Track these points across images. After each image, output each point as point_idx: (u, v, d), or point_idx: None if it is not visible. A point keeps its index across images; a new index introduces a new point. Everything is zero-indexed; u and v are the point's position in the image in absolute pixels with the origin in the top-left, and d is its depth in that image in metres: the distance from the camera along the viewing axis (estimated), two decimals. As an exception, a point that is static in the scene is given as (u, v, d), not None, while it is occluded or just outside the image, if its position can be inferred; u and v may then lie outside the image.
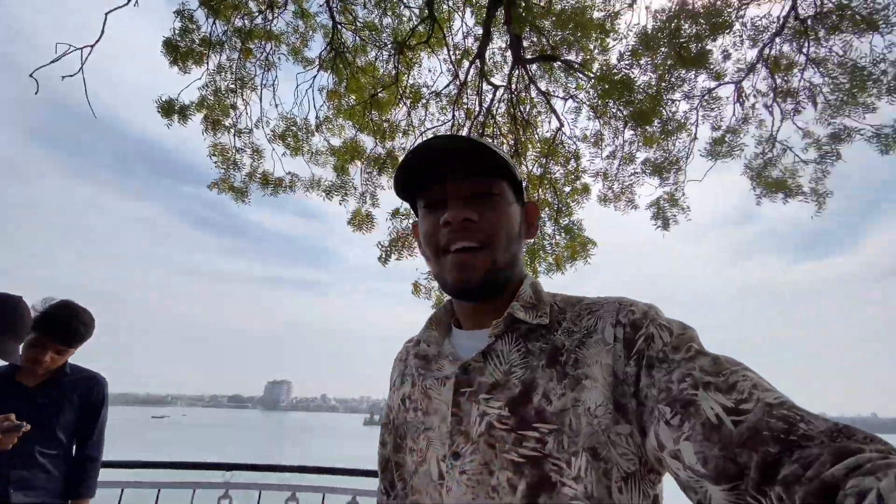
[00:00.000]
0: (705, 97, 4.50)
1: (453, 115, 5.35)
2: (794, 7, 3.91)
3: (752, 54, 4.27)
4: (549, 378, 0.61)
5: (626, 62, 4.47)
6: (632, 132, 4.82)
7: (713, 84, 4.52)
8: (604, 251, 4.80)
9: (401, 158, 0.70)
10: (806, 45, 4.02)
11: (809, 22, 3.96)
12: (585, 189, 5.14)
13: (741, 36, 4.29)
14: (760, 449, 0.42)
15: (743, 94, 4.30)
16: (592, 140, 5.10)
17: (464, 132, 5.46)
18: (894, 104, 3.65)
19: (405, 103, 5.26)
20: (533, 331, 0.67)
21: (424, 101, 5.48)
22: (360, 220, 5.03)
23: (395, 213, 5.20)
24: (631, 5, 4.56)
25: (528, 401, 0.60)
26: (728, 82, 4.46)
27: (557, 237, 4.83)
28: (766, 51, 4.17)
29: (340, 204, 4.91)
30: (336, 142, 5.35)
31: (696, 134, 4.62)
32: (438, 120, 5.61)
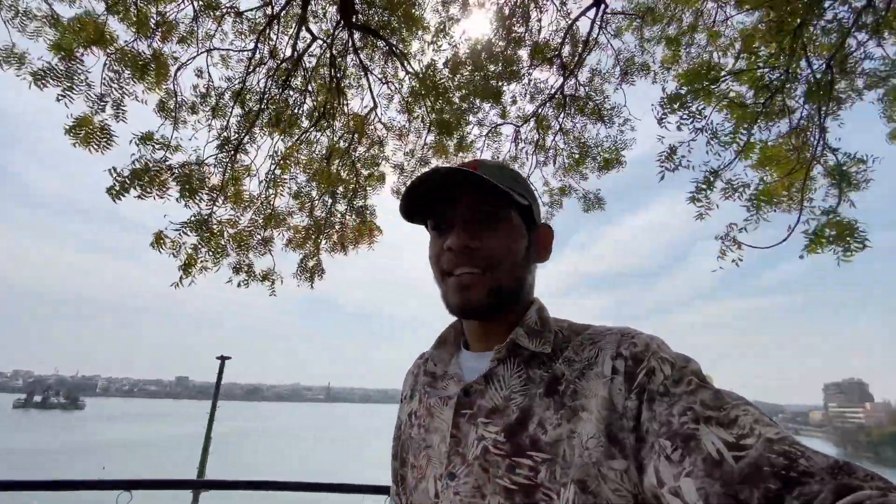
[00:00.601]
0: (493, 128, 5.30)
1: (255, 47, 4.49)
2: (562, 85, 5.11)
3: (530, 108, 5.32)
4: (546, 407, 0.62)
5: (445, 73, 4.79)
6: (432, 138, 5.20)
7: (499, 121, 5.39)
8: (392, 242, 4.96)
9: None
10: (562, 115, 5.31)
11: (567, 100, 5.27)
12: (381, 178, 5.21)
13: (526, 90, 5.29)
14: (761, 485, 0.42)
15: (518, 137, 5.31)
16: (397, 133, 5.23)
17: (262, 71, 4.66)
18: (600, 178, 5.27)
19: (193, 2, 4.08)
20: (535, 357, 0.67)
21: (220, 12, 4.39)
22: (90, 133, 3.53)
23: (148, 138, 3.91)
24: (458, 21, 4.94)
25: (524, 428, 0.61)
26: (510, 123, 5.40)
27: (348, 217, 4.69)
28: (539, 109, 5.29)
29: (59, 100, 3.30)
30: (66, 11, 3.63)
31: (480, 157, 5.38)
32: (234, 45, 4.60)
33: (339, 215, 4.70)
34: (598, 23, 4.67)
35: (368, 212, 4.77)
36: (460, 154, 5.19)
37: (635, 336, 0.63)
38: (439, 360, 0.78)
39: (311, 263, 4.60)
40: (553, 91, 5.23)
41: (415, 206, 0.73)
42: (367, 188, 4.85)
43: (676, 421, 0.51)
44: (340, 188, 4.64)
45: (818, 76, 2.86)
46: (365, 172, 4.98)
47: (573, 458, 0.57)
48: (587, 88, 5.19)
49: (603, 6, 4.45)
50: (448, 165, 0.70)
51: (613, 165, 5.32)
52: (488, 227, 0.69)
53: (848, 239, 2.61)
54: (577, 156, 5.46)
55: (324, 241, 4.68)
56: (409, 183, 0.74)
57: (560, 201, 5.49)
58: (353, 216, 4.71)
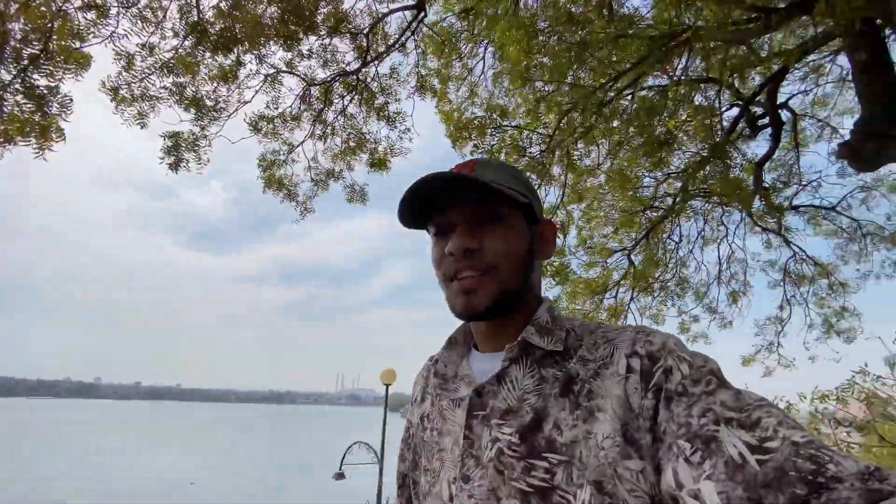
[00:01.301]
0: (276, 73, 4.50)
1: None
2: (359, 69, 4.89)
3: (322, 75, 4.81)
4: (561, 408, 0.61)
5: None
6: (190, 44, 3.95)
7: (284, 67, 4.63)
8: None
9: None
10: (350, 98, 5.06)
11: (359, 85, 5.07)
12: (84, 60, 3.51)
13: (323, 55, 4.77)
14: (787, 490, 0.41)
15: (308, 97, 4.68)
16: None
17: None
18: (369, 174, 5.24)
19: None
20: (548, 356, 0.67)
21: None
22: None
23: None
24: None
25: (539, 430, 0.60)
26: (296, 74, 4.72)
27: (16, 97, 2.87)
28: (331, 81, 4.86)
29: None
30: None
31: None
32: None
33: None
34: (412, 28, 4.75)
35: (54, 101, 3.06)
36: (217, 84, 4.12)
37: (651, 334, 0.63)
38: (449, 361, 0.77)
39: None
40: (350, 69, 4.94)
41: (413, 212, 0.72)
42: (62, 63, 3.13)
43: (696, 422, 0.50)
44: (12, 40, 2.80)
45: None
46: (62, 41, 3.22)
47: (589, 459, 0.56)
48: (381, 83, 5.15)
49: (423, 14, 4.56)
50: (444, 171, 0.69)
51: (381, 168, 5.42)
52: (488, 229, 0.69)
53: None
54: (352, 144, 5.30)
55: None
56: (405, 190, 0.68)
57: (327, 184, 5.14)
58: (25, 99, 2.92)
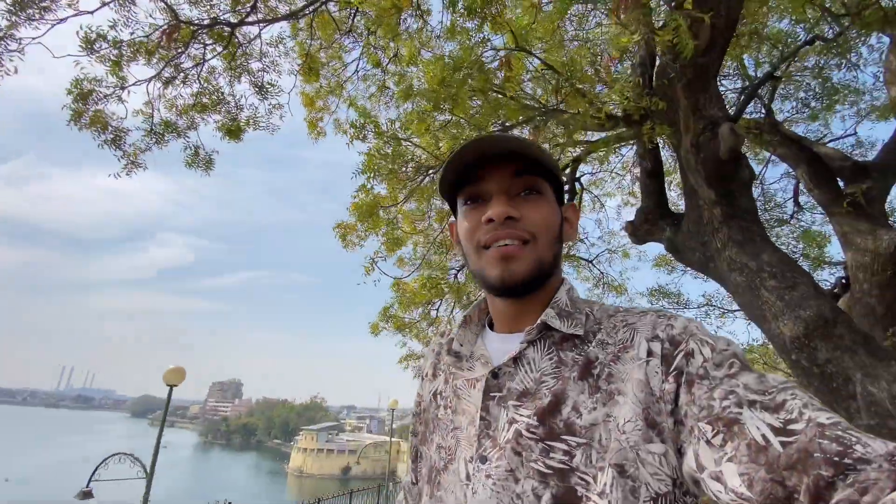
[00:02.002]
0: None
1: None
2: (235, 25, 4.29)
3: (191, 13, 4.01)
4: (580, 391, 0.61)
5: None
6: None
7: None
8: None
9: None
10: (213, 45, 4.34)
11: (230, 36, 4.41)
12: None
13: None
14: (812, 472, 0.40)
15: (170, 37, 3.76)
16: None
17: None
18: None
19: None
20: (566, 340, 0.66)
21: None
22: None
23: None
24: None
25: (558, 412, 0.60)
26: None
27: None
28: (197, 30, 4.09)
29: None
30: None
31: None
32: None
33: None
34: (315, 7, 4.46)
35: None
36: None
37: (672, 318, 0.63)
38: (465, 340, 0.76)
39: None
40: (230, 20, 4.28)
41: (454, 180, 0.72)
42: None
43: (718, 405, 0.50)
44: None
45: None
46: None
47: (609, 442, 0.56)
48: (262, 49, 4.61)
49: (328, -3, 4.33)
50: (495, 134, 0.71)
51: (234, 138, 4.79)
52: (527, 199, 0.69)
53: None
54: (205, 100, 4.54)
55: None
56: (453, 154, 0.69)
57: (164, 138, 4.22)
58: None
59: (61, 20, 3.26)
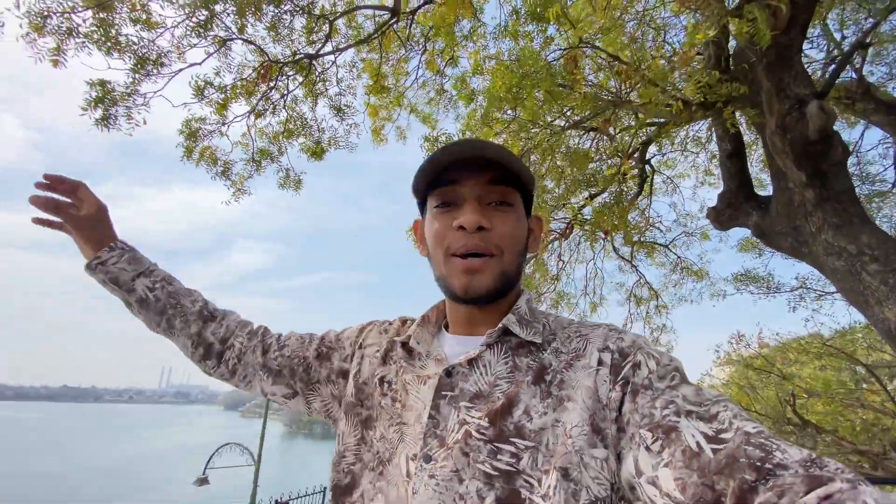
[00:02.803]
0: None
1: None
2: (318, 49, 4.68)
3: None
4: (532, 395, 0.63)
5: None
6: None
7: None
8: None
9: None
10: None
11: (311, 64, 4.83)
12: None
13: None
14: (737, 476, 0.43)
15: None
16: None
17: None
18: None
19: None
20: (523, 346, 0.68)
21: None
22: None
23: None
24: None
25: (509, 415, 0.61)
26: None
27: None
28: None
29: None
30: None
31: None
32: None
33: None
34: (382, 30, 4.76)
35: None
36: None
37: (623, 332, 0.67)
38: (421, 338, 0.76)
39: None
40: (309, 52, 4.70)
41: (428, 180, 0.71)
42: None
43: (658, 413, 0.53)
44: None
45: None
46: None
47: (556, 446, 0.58)
48: (337, 74, 5.00)
49: (395, 20, 4.61)
50: (474, 139, 0.71)
51: (317, 157, 5.24)
52: (498, 210, 0.69)
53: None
54: (291, 126, 5.02)
55: None
56: (429, 155, 0.69)
57: (261, 165, 4.75)
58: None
59: (176, 73, 3.81)
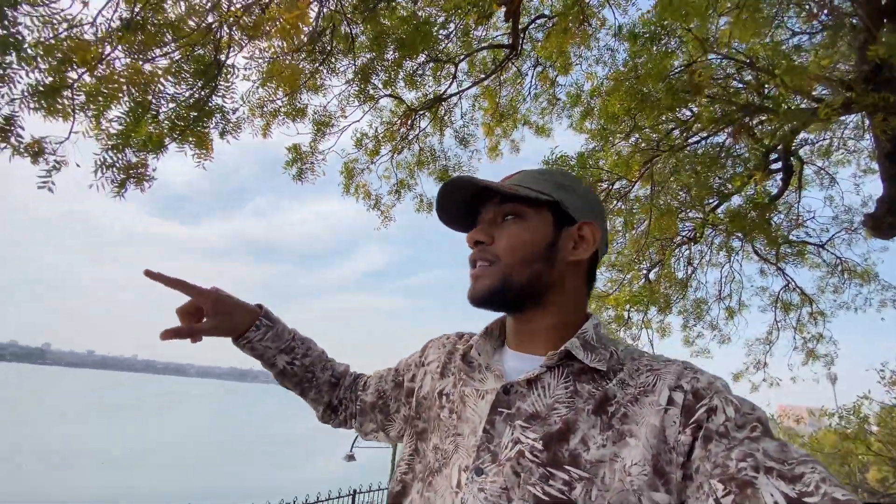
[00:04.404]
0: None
1: None
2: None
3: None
4: (591, 425, 0.61)
5: None
6: None
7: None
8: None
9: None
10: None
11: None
12: None
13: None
14: None
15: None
16: None
17: None
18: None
19: None
20: (585, 372, 0.66)
21: None
22: None
23: None
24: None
25: (565, 441, 0.60)
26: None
27: None
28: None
29: None
30: None
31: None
32: None
33: None
34: (503, 66, 5.22)
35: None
36: None
37: (699, 372, 0.63)
38: (483, 350, 0.78)
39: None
40: (435, 94, 5.37)
41: (457, 213, 0.79)
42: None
43: (734, 465, 0.50)
44: None
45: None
46: None
47: (613, 482, 0.56)
48: (462, 110, 5.60)
49: (514, 53, 5.03)
50: (466, 177, 0.75)
51: (445, 180, 5.90)
52: (503, 224, 0.73)
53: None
54: (423, 158, 5.75)
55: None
56: (437, 192, 0.77)
57: (401, 194, 5.58)
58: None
59: (343, 130, 4.75)
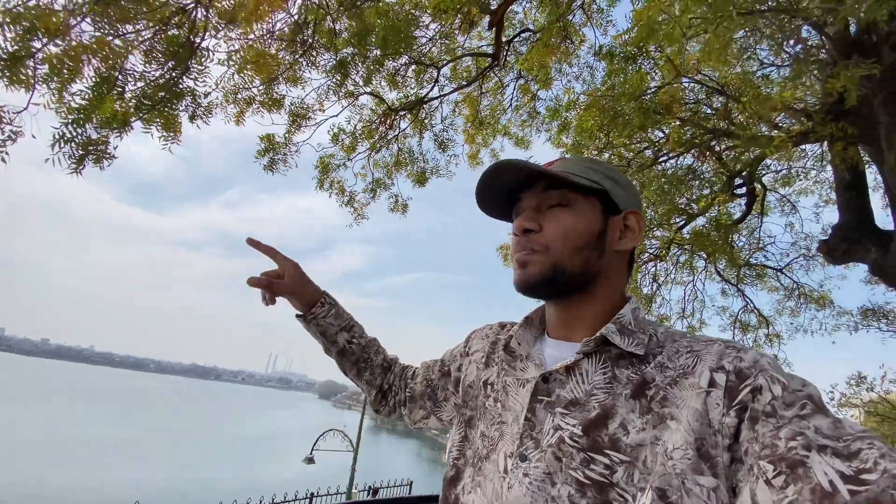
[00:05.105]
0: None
1: None
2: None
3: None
4: (630, 409, 0.61)
5: None
6: None
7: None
8: None
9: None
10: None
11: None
12: None
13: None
14: None
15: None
16: None
17: None
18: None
19: None
20: (624, 357, 0.66)
21: None
22: None
23: None
24: None
25: (604, 426, 0.61)
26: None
27: None
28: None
29: None
30: None
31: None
32: None
33: None
34: (484, 74, 5.29)
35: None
36: None
37: (742, 350, 0.61)
38: (523, 339, 0.79)
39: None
40: (417, 96, 5.39)
41: (497, 201, 0.78)
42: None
43: (783, 445, 0.48)
44: None
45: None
46: None
47: (654, 465, 0.56)
48: (442, 113, 5.64)
49: (496, 63, 5.11)
50: (512, 160, 0.72)
51: (421, 184, 5.91)
52: (552, 212, 0.72)
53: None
54: (401, 159, 5.75)
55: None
56: (479, 179, 0.76)
57: (376, 192, 5.55)
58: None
59: (319, 124, 4.70)
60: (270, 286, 0.93)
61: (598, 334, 0.66)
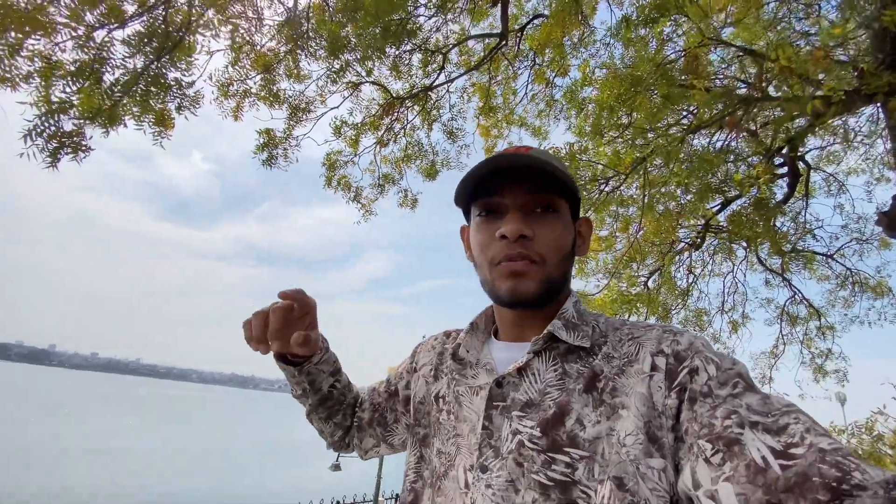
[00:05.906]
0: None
1: None
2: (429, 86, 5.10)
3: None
4: (584, 404, 0.61)
5: None
6: None
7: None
8: None
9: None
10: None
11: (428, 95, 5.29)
12: None
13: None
14: (809, 496, 0.41)
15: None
16: None
17: None
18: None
19: None
20: (572, 352, 0.66)
21: None
22: None
23: None
24: None
25: (562, 424, 0.60)
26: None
27: None
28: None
29: None
30: None
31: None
32: None
33: None
34: (491, 55, 5.01)
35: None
36: None
37: (678, 333, 0.62)
38: (471, 346, 0.76)
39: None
40: (425, 84, 5.16)
41: (468, 192, 0.71)
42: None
43: (719, 423, 0.50)
44: None
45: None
46: None
47: (611, 455, 0.56)
48: (450, 101, 5.39)
49: (504, 43, 4.82)
50: (511, 150, 0.69)
51: (432, 177, 5.66)
52: (541, 218, 0.68)
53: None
54: (410, 152, 5.52)
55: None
56: (470, 168, 0.69)
57: (384, 188, 5.34)
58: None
59: (320, 116, 4.53)
60: (303, 299, 0.76)
61: (545, 331, 0.66)
